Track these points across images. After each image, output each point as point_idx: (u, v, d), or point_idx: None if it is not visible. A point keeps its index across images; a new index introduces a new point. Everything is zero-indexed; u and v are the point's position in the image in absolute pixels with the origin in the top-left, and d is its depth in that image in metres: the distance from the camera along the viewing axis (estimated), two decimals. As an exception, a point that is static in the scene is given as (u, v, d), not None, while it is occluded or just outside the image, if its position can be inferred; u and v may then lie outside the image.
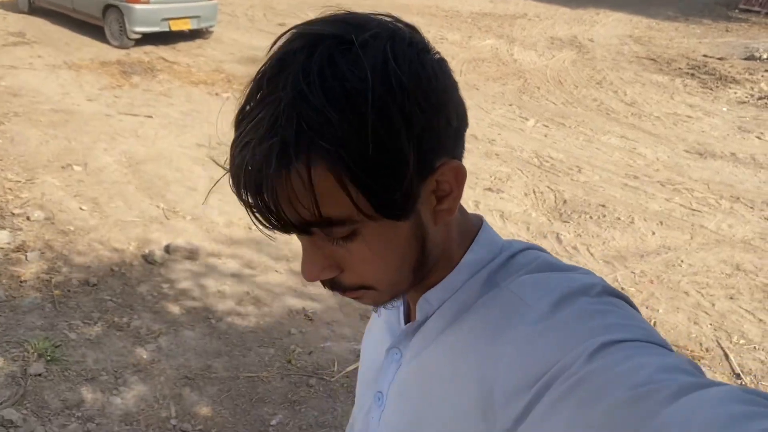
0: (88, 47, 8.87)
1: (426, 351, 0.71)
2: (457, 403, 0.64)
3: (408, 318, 0.79)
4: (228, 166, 0.57)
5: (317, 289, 3.67)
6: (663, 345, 0.55)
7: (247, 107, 0.56)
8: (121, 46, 8.88)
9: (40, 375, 2.78)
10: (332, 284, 0.65)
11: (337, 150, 0.52)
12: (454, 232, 0.69)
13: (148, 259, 3.98)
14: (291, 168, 0.52)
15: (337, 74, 0.52)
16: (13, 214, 4.29)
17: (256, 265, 4.06)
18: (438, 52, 0.60)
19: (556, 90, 8.43)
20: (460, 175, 0.62)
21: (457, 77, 0.67)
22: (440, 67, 0.59)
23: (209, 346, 3.30)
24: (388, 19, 0.59)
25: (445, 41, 10.70)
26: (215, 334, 3.40)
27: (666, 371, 0.49)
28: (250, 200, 0.56)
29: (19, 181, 4.77)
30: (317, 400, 3.00)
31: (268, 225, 0.58)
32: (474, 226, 0.72)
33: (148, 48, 9.04)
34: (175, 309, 3.55)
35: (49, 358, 2.88)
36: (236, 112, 0.58)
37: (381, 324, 0.83)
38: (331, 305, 3.71)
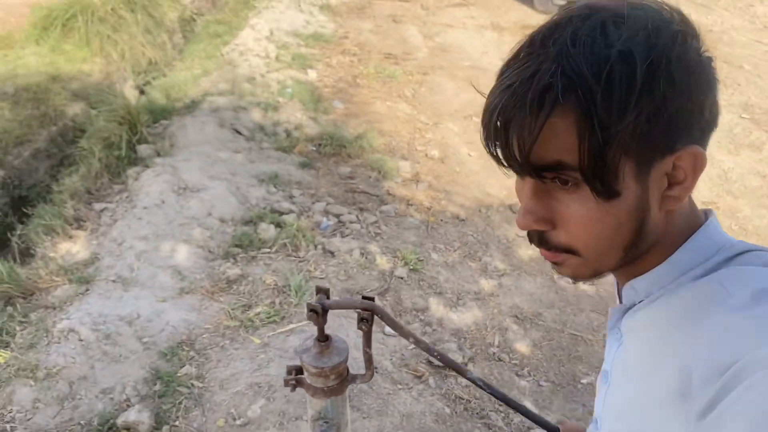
0: (515, 11, 9.54)
1: (633, 334, 0.74)
2: (660, 388, 0.64)
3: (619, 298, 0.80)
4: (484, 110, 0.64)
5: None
6: None
7: (516, 59, 0.63)
8: (546, 12, 9.31)
9: (402, 278, 3.38)
10: (540, 239, 0.68)
11: (587, 102, 0.57)
12: (679, 223, 0.69)
13: (512, 209, 4.34)
14: (542, 109, 0.58)
15: (603, 41, 0.58)
16: (416, 149, 5.09)
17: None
18: (707, 50, 0.63)
19: None
20: (699, 164, 0.62)
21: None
22: (704, 60, 0.62)
23: (544, 297, 3.51)
24: (671, 9, 0.63)
25: None
26: (554, 288, 3.60)
27: None
28: (497, 138, 0.62)
29: (428, 124, 5.59)
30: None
31: (506, 163, 0.64)
32: (698, 222, 0.70)
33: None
34: (523, 256, 3.85)
35: (411, 267, 3.47)
36: (504, 62, 0.65)
37: None
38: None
